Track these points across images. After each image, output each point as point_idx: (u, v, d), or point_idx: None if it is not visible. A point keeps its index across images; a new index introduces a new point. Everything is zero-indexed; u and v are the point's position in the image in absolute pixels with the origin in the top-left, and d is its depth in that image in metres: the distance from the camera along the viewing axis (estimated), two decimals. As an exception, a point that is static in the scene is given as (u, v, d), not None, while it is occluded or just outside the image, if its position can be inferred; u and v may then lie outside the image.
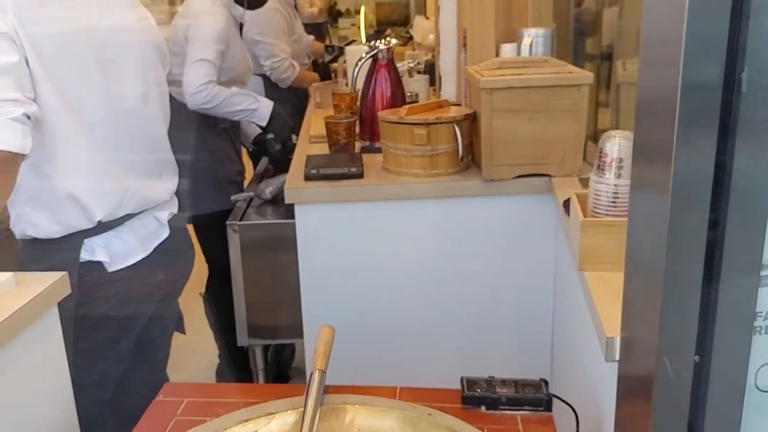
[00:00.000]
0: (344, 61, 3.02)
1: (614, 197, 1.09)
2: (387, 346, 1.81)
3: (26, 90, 1.27)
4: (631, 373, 0.79)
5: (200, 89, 2.26)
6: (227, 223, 2.03)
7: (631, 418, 0.79)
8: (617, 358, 0.86)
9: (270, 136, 2.47)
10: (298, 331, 1.85)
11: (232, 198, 2.25)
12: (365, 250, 1.76)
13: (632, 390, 0.79)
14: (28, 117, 1.24)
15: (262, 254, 2.04)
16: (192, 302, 2.27)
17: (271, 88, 3.38)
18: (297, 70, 3.41)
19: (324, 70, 3.63)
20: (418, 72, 2.59)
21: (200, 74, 2.28)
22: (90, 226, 1.44)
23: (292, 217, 1.76)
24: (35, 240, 1.44)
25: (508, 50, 1.83)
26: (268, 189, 2.15)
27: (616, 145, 1.08)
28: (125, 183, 1.48)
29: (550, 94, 1.56)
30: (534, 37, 1.76)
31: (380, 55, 2.04)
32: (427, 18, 4.10)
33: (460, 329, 1.81)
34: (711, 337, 0.66)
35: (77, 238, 1.43)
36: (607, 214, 1.10)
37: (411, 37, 4.10)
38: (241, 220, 2.07)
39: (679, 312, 0.66)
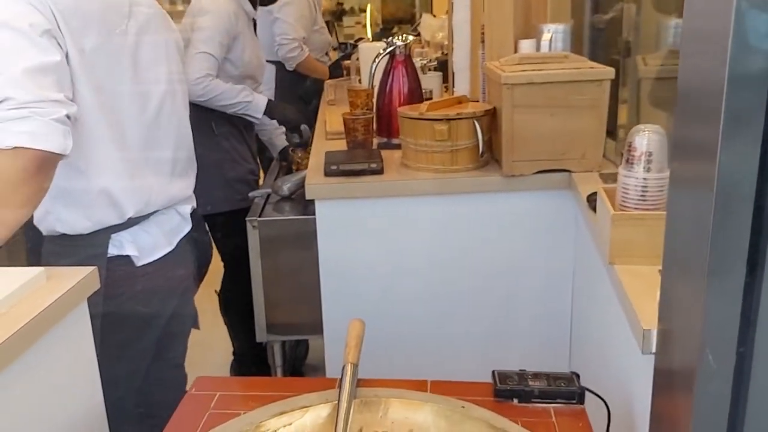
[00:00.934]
0: (357, 58, 3.02)
1: (643, 191, 1.09)
2: (406, 341, 1.82)
3: (66, 90, 1.27)
4: (669, 365, 0.79)
5: (198, 82, 2.27)
6: (247, 219, 2.03)
7: (669, 410, 0.80)
8: (654, 350, 0.86)
9: (295, 140, 2.47)
10: (316, 327, 1.85)
11: (250, 195, 2.26)
12: (385, 246, 1.77)
13: (670, 382, 0.79)
14: (68, 117, 1.24)
15: (282, 250, 2.05)
16: (205, 298, 2.28)
17: (282, 77, 3.39)
18: (305, 54, 3.41)
19: (335, 67, 3.63)
20: (431, 69, 2.59)
21: (200, 67, 2.28)
22: (120, 221, 1.44)
23: (311, 213, 1.77)
24: (63, 236, 1.44)
25: (526, 46, 1.83)
26: (286, 185, 2.15)
27: (645, 138, 1.09)
28: (155, 180, 1.49)
29: (570, 90, 1.57)
30: (553, 33, 1.76)
31: (397, 52, 2.05)
32: (434, 16, 4.11)
33: (479, 324, 1.82)
34: (754, 329, 0.66)
35: (105, 233, 1.44)
36: (636, 208, 1.11)
37: (418, 35, 4.10)
38: (259, 216, 2.07)
39: (723, 303, 0.66)
